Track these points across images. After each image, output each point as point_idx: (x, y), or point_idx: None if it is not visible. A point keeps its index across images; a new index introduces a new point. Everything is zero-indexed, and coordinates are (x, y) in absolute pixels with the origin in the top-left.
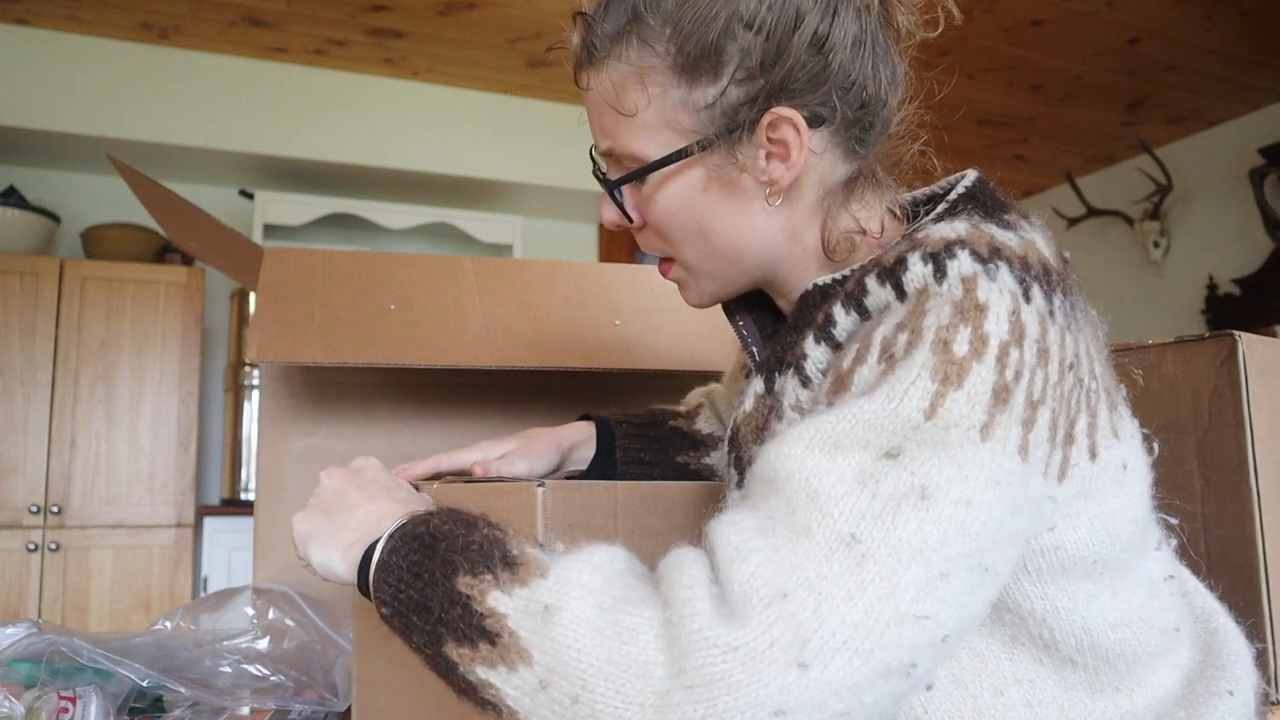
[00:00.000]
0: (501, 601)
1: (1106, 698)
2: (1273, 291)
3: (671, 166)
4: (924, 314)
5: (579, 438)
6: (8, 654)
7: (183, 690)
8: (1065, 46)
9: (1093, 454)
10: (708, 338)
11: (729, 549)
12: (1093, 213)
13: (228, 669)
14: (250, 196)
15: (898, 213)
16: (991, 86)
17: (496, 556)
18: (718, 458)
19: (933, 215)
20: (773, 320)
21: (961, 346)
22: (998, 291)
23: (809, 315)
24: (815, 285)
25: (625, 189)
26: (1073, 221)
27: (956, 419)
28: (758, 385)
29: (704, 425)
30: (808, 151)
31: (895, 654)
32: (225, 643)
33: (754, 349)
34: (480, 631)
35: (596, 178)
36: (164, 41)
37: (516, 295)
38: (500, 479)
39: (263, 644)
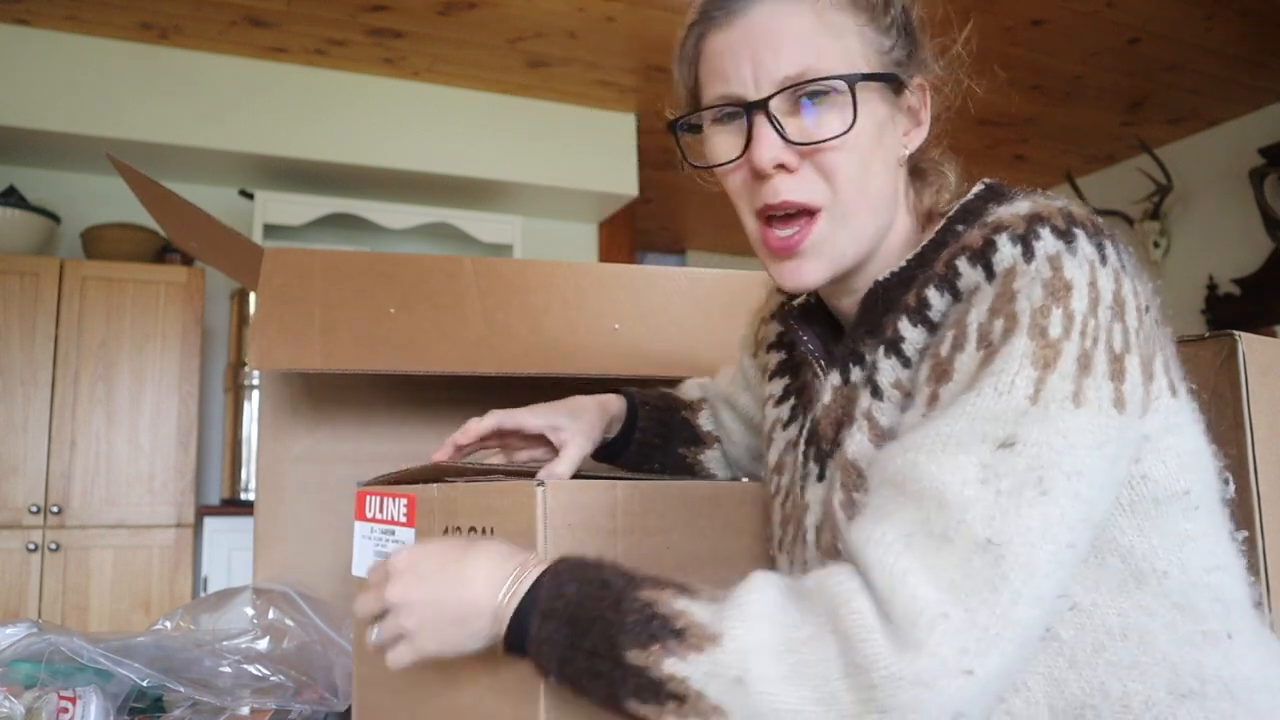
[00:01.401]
0: (679, 668)
1: (1221, 649)
2: (1273, 291)
3: (874, 85)
4: (1014, 296)
5: (616, 411)
6: (8, 654)
7: (183, 690)
8: (1065, 46)
9: (1173, 390)
10: (705, 341)
11: (885, 573)
12: (1093, 213)
13: (228, 669)
14: (250, 196)
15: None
16: (991, 87)
17: (657, 626)
18: (711, 457)
19: (974, 196)
20: (833, 336)
21: (1055, 329)
22: (1078, 265)
23: (875, 310)
24: (877, 283)
25: (789, 119)
26: None
27: (1053, 395)
28: (834, 379)
29: (705, 423)
30: (926, 125)
31: (1037, 630)
32: (225, 643)
33: (820, 358)
34: (665, 694)
35: (761, 112)
36: (164, 41)
37: (516, 296)
38: (508, 469)
39: (263, 644)
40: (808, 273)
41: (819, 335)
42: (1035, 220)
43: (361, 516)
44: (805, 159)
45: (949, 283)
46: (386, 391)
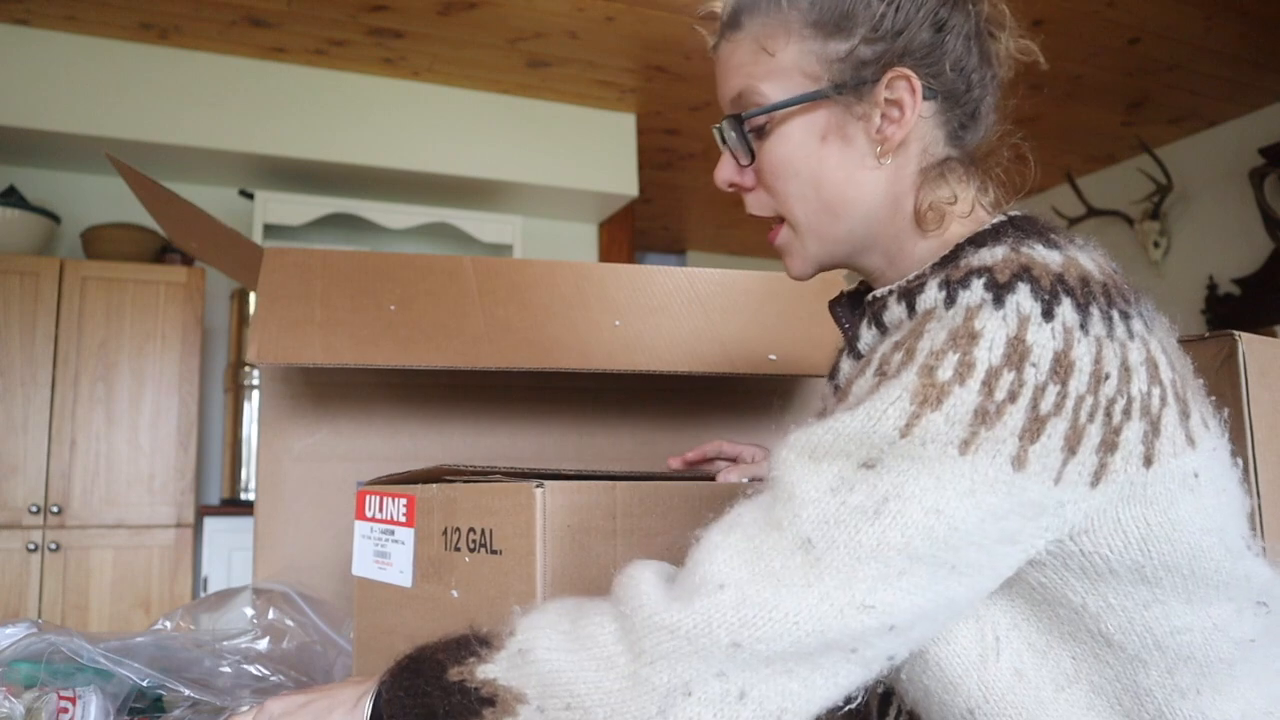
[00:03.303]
0: (488, 670)
1: (1190, 702)
2: (1273, 291)
3: (798, 107)
4: (920, 335)
5: None
6: (8, 654)
7: (183, 690)
8: (1065, 46)
9: (1147, 460)
10: (707, 338)
11: (703, 547)
12: (1093, 213)
13: (228, 669)
14: (250, 196)
15: (986, 208)
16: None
17: (471, 641)
18: None
19: (974, 236)
20: None
21: (945, 372)
22: (996, 319)
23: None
24: (874, 297)
25: (753, 147)
26: (1073, 221)
27: (933, 436)
28: (826, 388)
29: None
30: (918, 114)
31: (838, 636)
32: (225, 643)
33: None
34: (481, 701)
35: (718, 134)
36: (164, 41)
37: (517, 294)
38: (509, 471)
39: (263, 644)
40: (792, 267)
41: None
42: (976, 272)
43: (362, 516)
44: (759, 177)
45: (877, 316)
46: (386, 391)
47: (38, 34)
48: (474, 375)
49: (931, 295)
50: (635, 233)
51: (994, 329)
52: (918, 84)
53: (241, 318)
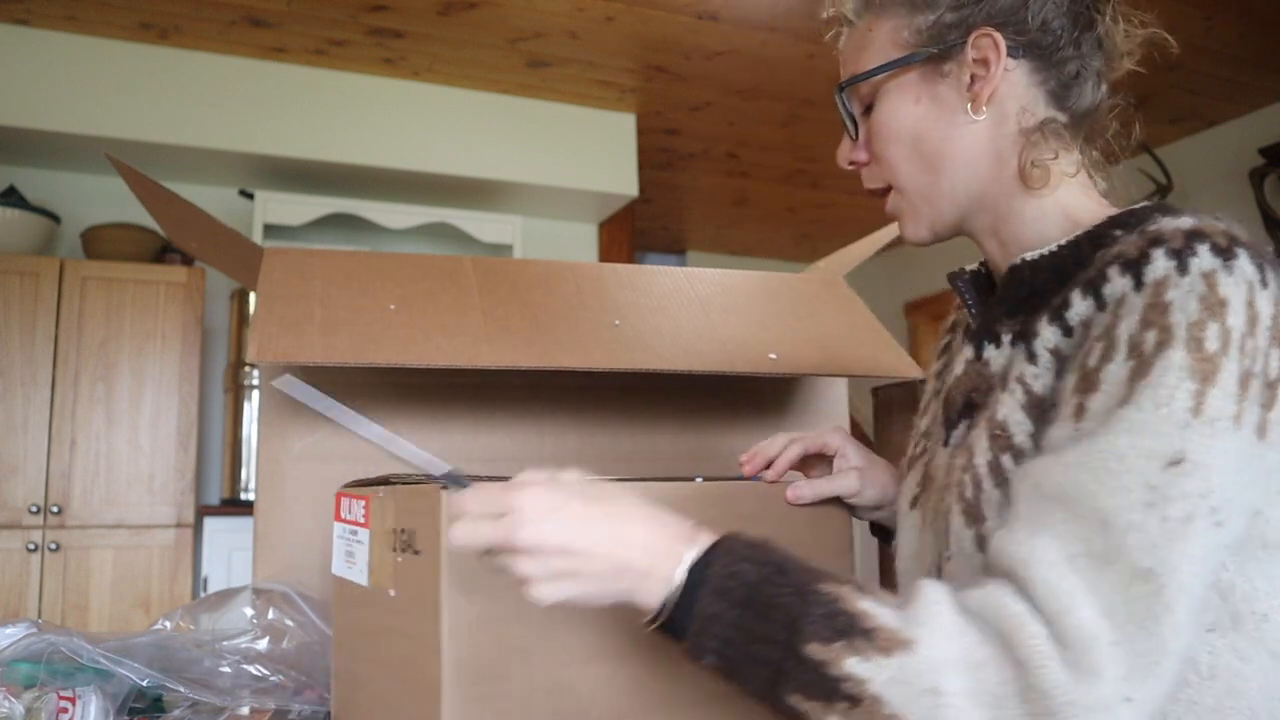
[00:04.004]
0: (862, 668)
1: None
2: None
3: (891, 73)
4: (1166, 309)
5: None
6: (8, 654)
7: (183, 690)
8: None
9: None
10: (707, 338)
11: (1052, 593)
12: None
13: (228, 669)
14: (250, 196)
15: (1098, 183)
16: None
17: (844, 622)
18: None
19: (1147, 205)
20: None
21: (1212, 343)
22: (1234, 284)
23: (1019, 290)
24: (1024, 260)
25: (860, 123)
26: None
27: (1217, 413)
28: (967, 352)
29: None
30: (1004, 68)
31: (1186, 655)
32: (225, 643)
33: (973, 317)
34: (837, 694)
35: (844, 120)
36: (164, 41)
37: (516, 294)
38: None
39: (263, 644)
40: (906, 230)
41: (980, 301)
42: (1195, 236)
43: (338, 517)
44: (869, 149)
45: (1095, 288)
46: (386, 391)
47: (38, 34)
48: (474, 375)
49: (1161, 265)
50: (635, 233)
51: (1235, 294)
52: (1001, 41)
53: (241, 318)
